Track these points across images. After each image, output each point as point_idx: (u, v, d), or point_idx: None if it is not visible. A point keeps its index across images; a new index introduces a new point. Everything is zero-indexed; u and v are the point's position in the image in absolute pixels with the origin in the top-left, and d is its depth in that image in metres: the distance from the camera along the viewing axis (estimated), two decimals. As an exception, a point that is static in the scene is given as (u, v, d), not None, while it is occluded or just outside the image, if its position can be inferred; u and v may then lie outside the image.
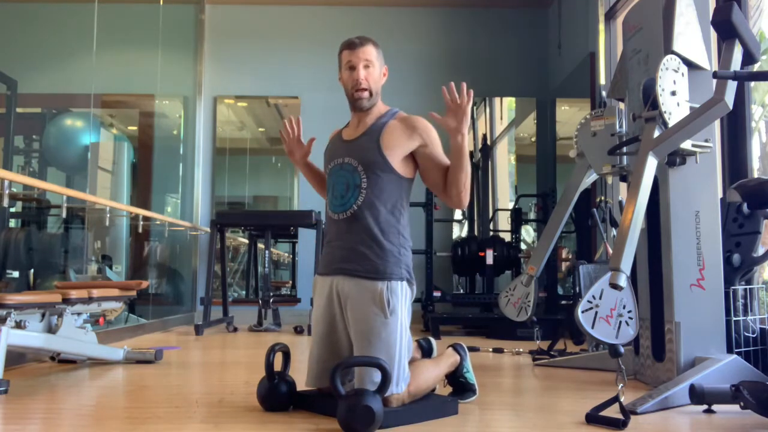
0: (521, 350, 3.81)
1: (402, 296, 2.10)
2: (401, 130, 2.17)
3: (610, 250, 3.45)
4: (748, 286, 2.76)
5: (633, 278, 2.38)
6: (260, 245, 5.97)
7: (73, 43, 5.75)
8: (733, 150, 3.12)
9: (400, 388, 2.01)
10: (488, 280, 5.28)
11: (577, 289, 3.86)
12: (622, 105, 3.03)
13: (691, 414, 2.16)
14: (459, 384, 2.32)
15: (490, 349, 3.91)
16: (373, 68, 2.17)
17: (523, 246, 5.77)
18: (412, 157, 2.22)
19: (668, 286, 2.55)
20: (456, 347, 2.33)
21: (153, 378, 2.81)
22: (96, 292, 2.89)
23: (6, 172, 3.60)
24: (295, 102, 6.37)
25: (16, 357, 2.99)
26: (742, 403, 1.98)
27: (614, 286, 2.13)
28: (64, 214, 4.10)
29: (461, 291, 5.98)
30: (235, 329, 5.11)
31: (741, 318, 2.66)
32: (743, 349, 2.61)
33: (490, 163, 6.12)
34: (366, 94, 2.16)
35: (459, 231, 6.30)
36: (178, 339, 4.50)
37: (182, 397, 2.39)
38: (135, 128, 6.75)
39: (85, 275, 5.04)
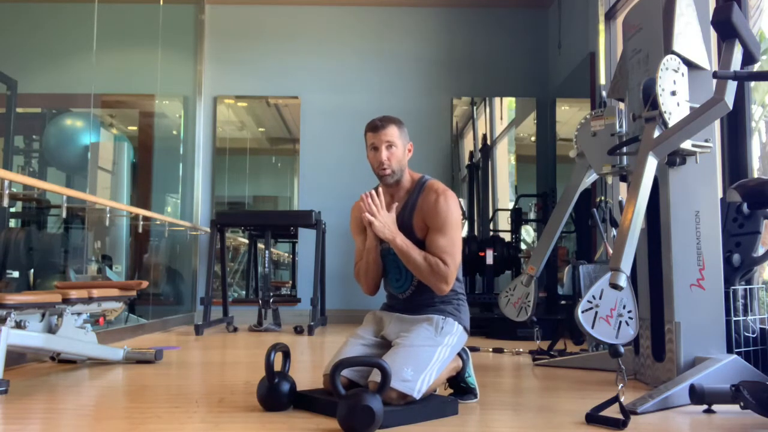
0: (521, 350, 3.81)
1: (455, 332, 2.25)
2: (420, 211, 2.27)
3: (610, 250, 3.45)
4: (748, 286, 2.76)
5: (633, 278, 2.38)
6: (260, 245, 5.97)
7: (73, 43, 5.74)
8: (733, 150, 3.12)
9: (417, 394, 2.02)
10: (488, 280, 5.28)
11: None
12: (622, 105, 3.03)
13: (691, 414, 2.16)
14: (460, 388, 2.34)
15: (490, 349, 3.91)
16: (396, 148, 2.27)
17: (523, 246, 5.76)
18: None
19: (668, 286, 2.55)
20: (459, 351, 2.33)
21: (153, 378, 2.81)
22: (96, 292, 2.89)
23: (6, 172, 3.60)
24: (295, 102, 6.37)
25: (16, 357, 2.99)
26: (742, 403, 1.98)
27: (614, 286, 2.13)
28: (64, 214, 4.10)
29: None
30: (235, 329, 5.11)
31: (741, 318, 2.66)
32: (743, 349, 2.61)
33: (490, 163, 6.12)
34: (389, 171, 2.27)
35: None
36: (178, 339, 4.50)
37: (182, 397, 2.39)
38: (135, 128, 6.74)
39: (85, 275, 5.03)
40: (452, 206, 2.25)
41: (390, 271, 2.35)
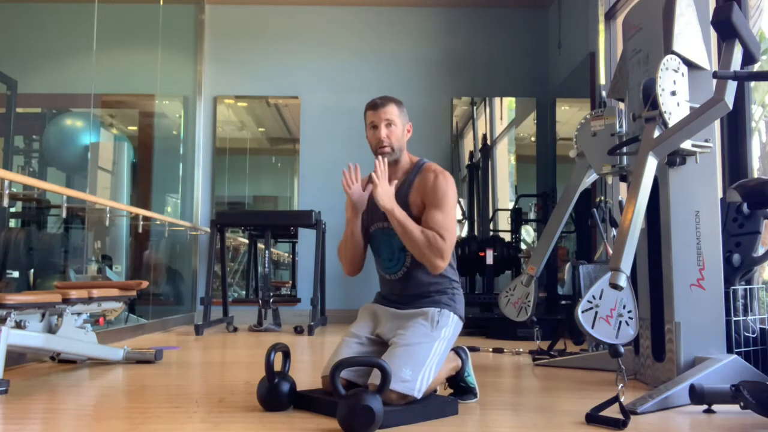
0: (521, 350, 3.81)
1: (451, 324, 2.22)
2: (418, 189, 2.24)
3: (610, 250, 3.45)
4: (748, 286, 2.76)
5: (633, 278, 2.38)
6: (260, 245, 5.97)
7: (73, 43, 5.74)
8: (733, 150, 3.12)
9: (417, 394, 2.01)
10: (488, 280, 5.28)
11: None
12: (622, 105, 3.03)
13: (691, 414, 2.16)
14: (460, 388, 2.33)
15: (490, 349, 3.91)
16: (395, 127, 2.27)
17: (523, 246, 5.77)
18: None
19: (668, 286, 2.55)
20: (458, 351, 2.33)
21: (153, 378, 2.81)
22: (96, 292, 2.89)
23: (6, 172, 3.60)
24: (295, 102, 6.38)
25: (16, 357, 2.99)
26: (742, 403, 1.98)
27: (614, 286, 2.13)
28: (64, 214, 4.10)
29: (461, 291, 5.98)
30: (235, 329, 5.11)
31: (741, 318, 2.66)
32: (743, 349, 2.61)
33: (490, 163, 6.12)
34: (388, 149, 2.25)
35: (459, 231, 6.31)
36: (178, 339, 4.50)
37: (182, 397, 2.39)
38: (135, 128, 6.74)
39: (85, 275, 5.03)
40: (450, 186, 2.23)
41: (382, 251, 2.31)
